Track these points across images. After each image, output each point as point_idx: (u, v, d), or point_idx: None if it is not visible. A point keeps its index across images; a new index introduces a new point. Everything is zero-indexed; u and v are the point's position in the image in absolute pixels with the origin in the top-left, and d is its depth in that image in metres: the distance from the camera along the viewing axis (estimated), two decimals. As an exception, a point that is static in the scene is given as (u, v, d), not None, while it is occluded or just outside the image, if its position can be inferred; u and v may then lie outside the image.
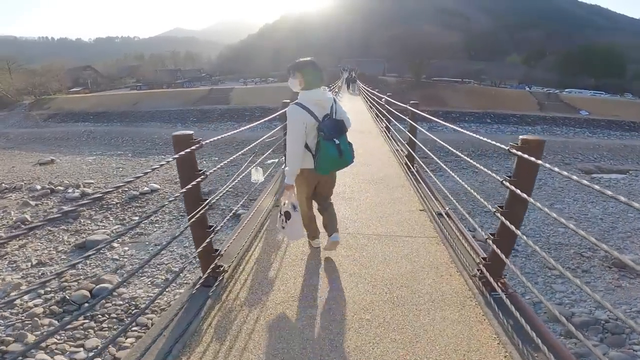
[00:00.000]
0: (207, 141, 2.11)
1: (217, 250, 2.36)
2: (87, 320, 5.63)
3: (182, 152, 1.79)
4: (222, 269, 2.38)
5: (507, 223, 1.81)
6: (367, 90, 13.97)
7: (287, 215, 2.42)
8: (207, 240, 2.15)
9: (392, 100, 7.92)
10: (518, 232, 1.75)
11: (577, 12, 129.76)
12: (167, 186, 12.15)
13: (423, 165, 4.24)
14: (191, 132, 1.98)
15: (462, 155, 2.81)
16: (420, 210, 3.62)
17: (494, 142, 2.14)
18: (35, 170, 15.55)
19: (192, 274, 6.69)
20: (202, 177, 2.05)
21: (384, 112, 8.39)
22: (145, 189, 11.61)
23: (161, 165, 1.68)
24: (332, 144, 2.27)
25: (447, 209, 3.34)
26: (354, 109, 13.76)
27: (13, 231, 9.74)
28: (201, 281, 2.14)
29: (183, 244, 8.21)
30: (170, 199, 1.85)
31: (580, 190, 12.85)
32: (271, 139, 3.91)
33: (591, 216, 10.52)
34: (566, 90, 38.31)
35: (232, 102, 28.27)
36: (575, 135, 22.74)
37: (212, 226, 2.25)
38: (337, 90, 21.49)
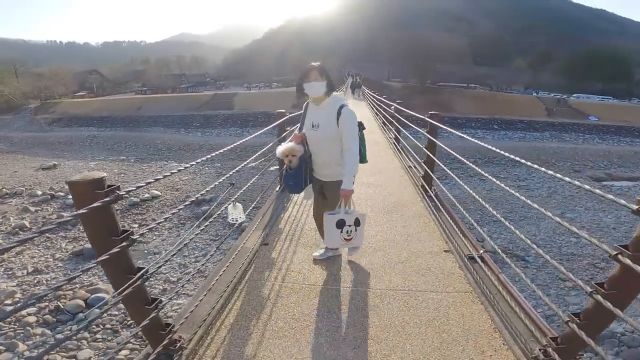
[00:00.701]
0: (128, 190, 1.42)
1: (168, 325, 1.75)
2: (80, 330, 5.47)
3: (85, 209, 1.17)
4: (178, 344, 1.77)
5: (617, 311, 1.31)
6: (373, 96, 13.56)
7: (357, 222, 2.31)
8: (150, 317, 1.55)
9: (403, 109, 7.32)
10: (629, 320, 1.25)
11: (582, 16, 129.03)
12: (169, 193, 11.96)
13: (443, 187, 3.50)
14: (102, 174, 1.35)
15: (492, 178, 2.54)
16: (445, 251, 2.90)
17: (611, 197, 1.52)
18: (38, 175, 15.48)
19: (190, 285, 6.47)
20: (124, 244, 1.40)
21: (393, 120, 7.86)
22: (146, 195, 11.43)
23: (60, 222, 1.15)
24: None
25: (481, 251, 2.61)
26: (359, 115, 13.49)
27: (11, 237, 9.67)
28: (150, 360, 1.51)
29: (182, 253, 8.02)
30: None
31: (592, 198, 12.58)
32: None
33: (604, 225, 10.25)
34: (574, 95, 37.83)
35: (235, 107, 28.19)
36: (584, 141, 22.36)
37: (157, 300, 1.63)
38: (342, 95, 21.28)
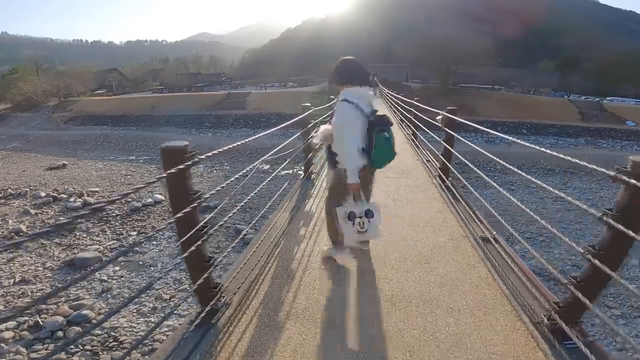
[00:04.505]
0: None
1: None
2: (56, 352, 4.83)
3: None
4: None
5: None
6: (398, 98, 11.72)
7: (370, 214, 2.24)
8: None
9: (461, 119, 4.01)
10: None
11: (611, 18, 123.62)
12: (172, 197, 11.28)
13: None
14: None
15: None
16: None
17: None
18: (45, 175, 15.18)
19: (184, 304, 5.73)
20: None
21: (441, 140, 4.56)
22: (149, 200, 10.81)
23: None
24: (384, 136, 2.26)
25: None
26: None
27: (5, 242, 9.19)
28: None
29: (179, 267, 7.28)
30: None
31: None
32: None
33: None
34: (607, 98, 35.66)
35: (248, 107, 27.44)
36: (622, 148, 20.60)
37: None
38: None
